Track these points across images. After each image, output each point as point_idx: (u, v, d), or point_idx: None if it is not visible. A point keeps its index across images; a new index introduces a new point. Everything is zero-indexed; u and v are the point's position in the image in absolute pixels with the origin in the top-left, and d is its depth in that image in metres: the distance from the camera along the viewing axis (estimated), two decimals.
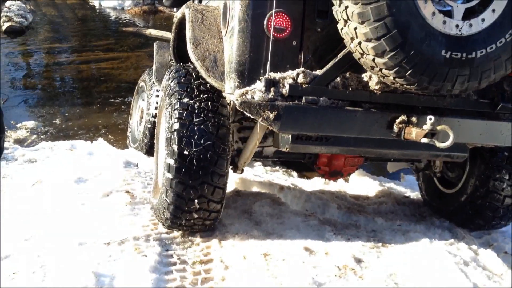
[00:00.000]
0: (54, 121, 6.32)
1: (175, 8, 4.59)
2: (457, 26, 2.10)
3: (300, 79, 2.36)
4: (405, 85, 2.19)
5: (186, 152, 2.62)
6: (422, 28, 2.05)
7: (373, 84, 2.40)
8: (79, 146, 4.86)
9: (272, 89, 2.32)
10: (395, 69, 2.10)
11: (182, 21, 3.14)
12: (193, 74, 2.84)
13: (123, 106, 6.91)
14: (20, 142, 5.49)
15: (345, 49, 2.31)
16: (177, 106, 2.69)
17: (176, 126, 2.64)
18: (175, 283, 2.53)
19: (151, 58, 4.84)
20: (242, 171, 3.25)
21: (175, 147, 2.63)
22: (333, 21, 2.22)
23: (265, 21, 2.37)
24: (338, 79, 2.40)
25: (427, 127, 2.27)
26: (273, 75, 2.35)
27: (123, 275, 2.49)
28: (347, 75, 2.42)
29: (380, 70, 2.15)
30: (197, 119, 2.66)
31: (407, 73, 2.10)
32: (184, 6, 2.98)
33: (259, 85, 2.34)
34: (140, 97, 5.24)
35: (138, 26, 12.57)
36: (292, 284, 2.51)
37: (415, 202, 4.07)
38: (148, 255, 2.68)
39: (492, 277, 2.76)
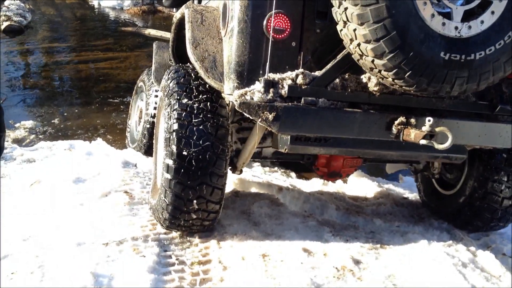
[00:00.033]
0: (52, 121, 6.31)
1: (174, 8, 4.59)
2: (456, 28, 2.10)
3: (299, 80, 2.36)
4: (404, 87, 2.19)
5: (185, 153, 2.62)
6: (421, 30, 2.05)
7: (372, 86, 2.41)
8: (78, 146, 4.85)
9: (271, 90, 2.32)
10: (394, 71, 2.10)
11: (181, 22, 3.14)
12: (192, 74, 2.83)
13: (121, 106, 6.90)
14: (18, 141, 5.48)
15: (344, 51, 2.31)
16: (176, 106, 2.69)
17: (175, 126, 2.64)
18: (173, 283, 2.52)
19: (150, 58, 4.84)
20: (241, 171, 3.25)
21: (174, 148, 2.62)
22: (333, 22, 2.22)
23: (265, 22, 2.37)
24: (337, 80, 2.40)
25: (425, 128, 2.27)
26: (272, 76, 2.35)
27: (122, 276, 2.48)
28: (346, 76, 2.42)
29: (379, 71, 2.15)
30: (196, 120, 2.66)
31: (406, 75, 2.10)
32: (183, 6, 2.97)
33: (258, 86, 2.34)
34: (139, 97, 5.22)
35: (137, 26, 12.57)
36: (291, 285, 2.51)
37: (413, 204, 4.07)
38: (146, 255, 2.68)
39: (490, 278, 2.77)
